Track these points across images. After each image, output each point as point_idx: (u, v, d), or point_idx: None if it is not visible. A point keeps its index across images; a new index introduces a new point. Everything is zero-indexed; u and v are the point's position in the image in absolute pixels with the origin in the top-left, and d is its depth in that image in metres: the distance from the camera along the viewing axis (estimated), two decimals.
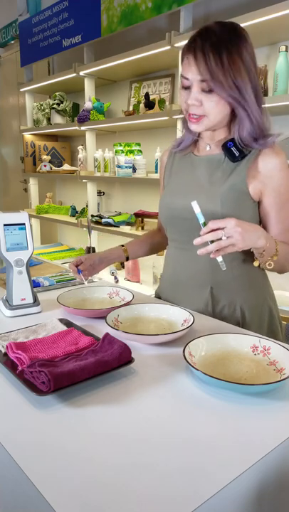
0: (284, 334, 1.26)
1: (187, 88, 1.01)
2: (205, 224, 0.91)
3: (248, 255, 1.08)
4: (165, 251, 1.28)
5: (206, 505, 0.49)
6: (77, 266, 1.24)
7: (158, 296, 1.29)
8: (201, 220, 0.92)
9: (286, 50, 1.75)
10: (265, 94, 1.90)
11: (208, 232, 0.90)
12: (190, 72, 0.98)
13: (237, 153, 1.04)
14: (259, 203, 1.08)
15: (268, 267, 1.02)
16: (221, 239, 0.89)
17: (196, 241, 0.91)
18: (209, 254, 0.91)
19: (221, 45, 0.94)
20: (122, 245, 1.32)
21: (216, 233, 0.89)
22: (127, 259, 1.32)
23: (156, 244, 1.38)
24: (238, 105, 0.99)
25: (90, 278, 1.42)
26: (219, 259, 0.93)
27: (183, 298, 1.16)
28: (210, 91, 0.97)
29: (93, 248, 2.57)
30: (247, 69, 0.97)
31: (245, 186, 1.04)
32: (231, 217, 0.90)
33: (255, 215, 1.08)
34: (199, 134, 1.14)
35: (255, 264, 1.03)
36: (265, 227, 1.10)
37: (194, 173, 1.13)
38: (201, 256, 0.93)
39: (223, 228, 0.89)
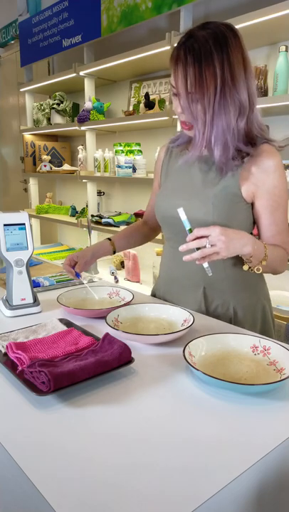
0: (283, 334, 1.26)
1: (176, 95, 1.01)
2: (191, 231, 0.92)
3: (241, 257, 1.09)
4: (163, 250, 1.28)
5: (206, 505, 0.49)
6: (72, 267, 1.23)
7: (153, 294, 1.30)
8: (187, 226, 0.93)
9: (286, 50, 1.75)
10: (265, 94, 1.90)
11: (193, 240, 0.91)
12: (175, 81, 0.98)
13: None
14: (253, 205, 1.07)
15: (257, 271, 1.02)
16: (205, 247, 0.90)
17: (182, 248, 0.92)
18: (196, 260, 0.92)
19: (204, 58, 0.93)
20: (110, 239, 1.30)
21: (200, 241, 0.90)
22: (114, 252, 1.31)
23: (143, 236, 1.39)
24: (204, 121, 0.98)
25: (90, 278, 1.42)
26: (205, 265, 0.94)
27: (177, 297, 1.17)
28: (194, 101, 0.97)
29: None
30: (227, 79, 0.94)
31: (237, 188, 1.04)
32: (216, 226, 0.91)
33: (248, 217, 1.08)
34: None
35: (245, 268, 1.03)
36: (258, 229, 1.10)
37: (189, 172, 1.13)
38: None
39: (207, 236, 0.90)
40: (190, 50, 0.94)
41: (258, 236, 1.10)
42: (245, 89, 0.97)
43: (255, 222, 1.11)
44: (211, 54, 0.93)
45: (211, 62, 0.93)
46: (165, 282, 1.23)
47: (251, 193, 1.05)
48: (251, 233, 1.12)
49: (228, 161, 1.02)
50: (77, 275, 1.22)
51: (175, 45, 0.99)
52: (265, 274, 1.18)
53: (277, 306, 1.76)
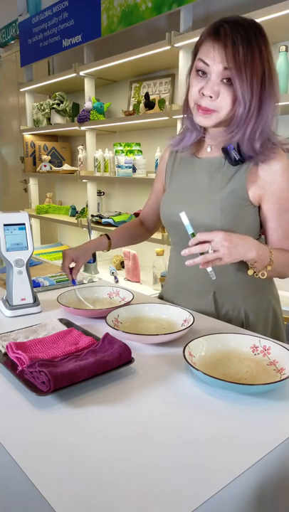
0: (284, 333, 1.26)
1: (204, 74, 0.95)
2: (194, 235, 0.91)
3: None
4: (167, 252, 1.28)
5: (206, 505, 0.49)
6: (70, 268, 1.21)
7: (161, 297, 1.29)
8: (190, 230, 0.92)
9: (286, 50, 1.75)
10: None
11: (196, 244, 0.90)
12: (213, 58, 0.91)
13: (237, 157, 1.01)
14: (260, 208, 1.06)
15: (262, 276, 1.01)
16: (208, 252, 0.89)
17: (184, 252, 0.91)
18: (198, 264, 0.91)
19: (250, 40, 0.90)
20: (108, 237, 1.28)
21: (202, 246, 0.89)
22: (108, 250, 1.30)
23: (138, 237, 1.38)
24: (249, 107, 0.94)
25: (90, 278, 1.42)
26: (209, 269, 0.93)
27: (186, 301, 1.16)
28: (230, 84, 0.92)
29: None
30: (268, 70, 0.93)
31: (244, 192, 1.02)
32: (219, 231, 0.90)
33: (255, 220, 1.07)
34: (204, 129, 1.09)
35: (250, 272, 1.01)
36: (264, 232, 1.09)
37: (194, 176, 1.11)
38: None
39: (210, 241, 0.89)
40: (235, 30, 0.90)
41: (265, 239, 1.10)
42: (277, 84, 0.97)
43: (262, 226, 1.09)
44: (257, 41, 0.91)
45: (258, 48, 0.90)
46: (173, 287, 1.22)
47: (258, 196, 1.03)
48: (259, 235, 1.11)
49: (265, 152, 0.99)
50: (74, 282, 1.20)
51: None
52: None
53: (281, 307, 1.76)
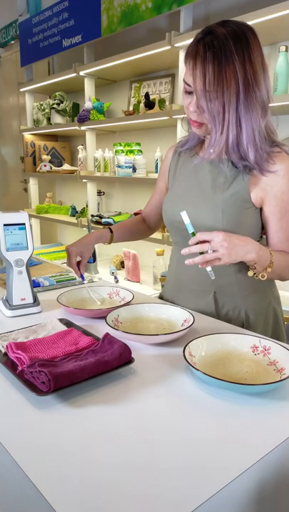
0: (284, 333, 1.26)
1: (189, 93, 0.98)
2: (194, 234, 0.91)
3: None
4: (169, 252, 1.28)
5: (206, 505, 0.49)
6: (77, 263, 1.22)
7: (161, 297, 1.29)
8: (190, 230, 0.92)
9: (286, 50, 1.75)
10: None
11: (196, 244, 0.90)
12: (191, 79, 0.94)
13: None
14: (261, 210, 1.06)
15: (261, 278, 1.00)
16: (207, 251, 0.89)
17: (184, 251, 0.91)
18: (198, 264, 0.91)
19: (224, 56, 0.89)
20: (110, 230, 1.28)
21: (202, 246, 0.89)
22: (109, 243, 1.30)
23: (140, 234, 1.38)
24: (222, 121, 0.95)
25: (90, 278, 1.42)
26: (208, 268, 0.93)
27: (187, 301, 1.16)
28: (212, 100, 0.93)
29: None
30: (249, 78, 0.92)
31: (247, 194, 1.02)
32: (219, 231, 0.90)
33: (257, 222, 1.07)
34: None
35: (250, 274, 1.01)
36: (266, 235, 1.09)
37: (197, 176, 1.11)
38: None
39: (210, 241, 0.89)
40: (209, 46, 0.90)
41: (266, 241, 1.10)
42: (265, 88, 0.95)
43: (264, 227, 1.09)
44: (232, 53, 0.89)
45: (232, 62, 0.90)
46: (173, 287, 1.22)
47: (260, 198, 1.03)
48: (261, 237, 1.11)
49: (262, 162, 0.99)
50: (82, 277, 1.21)
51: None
52: None
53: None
